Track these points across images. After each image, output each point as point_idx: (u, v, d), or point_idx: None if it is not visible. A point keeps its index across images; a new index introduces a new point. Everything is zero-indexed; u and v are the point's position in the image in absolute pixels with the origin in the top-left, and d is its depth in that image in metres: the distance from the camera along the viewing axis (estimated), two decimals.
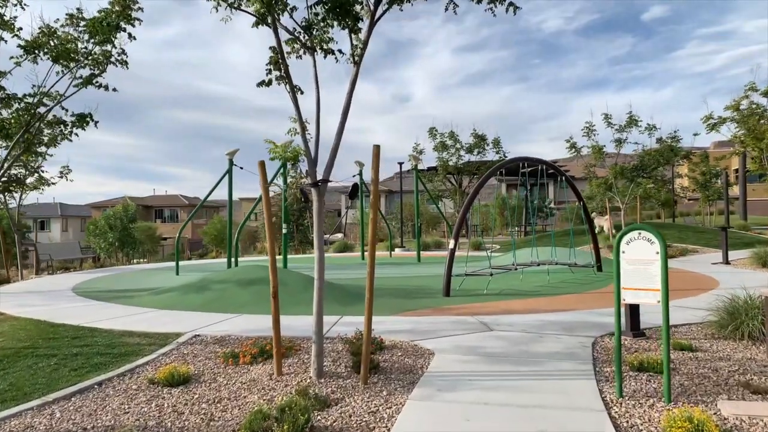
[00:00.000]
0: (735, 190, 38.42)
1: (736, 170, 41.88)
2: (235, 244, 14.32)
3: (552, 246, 12.94)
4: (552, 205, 43.83)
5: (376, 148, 4.64)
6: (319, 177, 4.80)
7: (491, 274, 10.29)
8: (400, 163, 23.73)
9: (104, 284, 12.56)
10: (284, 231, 13.56)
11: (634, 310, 6.29)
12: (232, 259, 14.91)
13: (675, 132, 19.59)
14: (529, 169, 31.18)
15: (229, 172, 14.60)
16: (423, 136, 45.61)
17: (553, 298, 9.51)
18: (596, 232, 22.43)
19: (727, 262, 15.04)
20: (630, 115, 19.77)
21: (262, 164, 4.96)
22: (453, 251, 9.78)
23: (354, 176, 19.10)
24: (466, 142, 24.52)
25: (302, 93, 4.81)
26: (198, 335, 6.67)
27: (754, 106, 16.29)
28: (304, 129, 4.73)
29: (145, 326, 7.21)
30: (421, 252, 19.37)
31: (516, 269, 11.11)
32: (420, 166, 25.17)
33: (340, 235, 22.49)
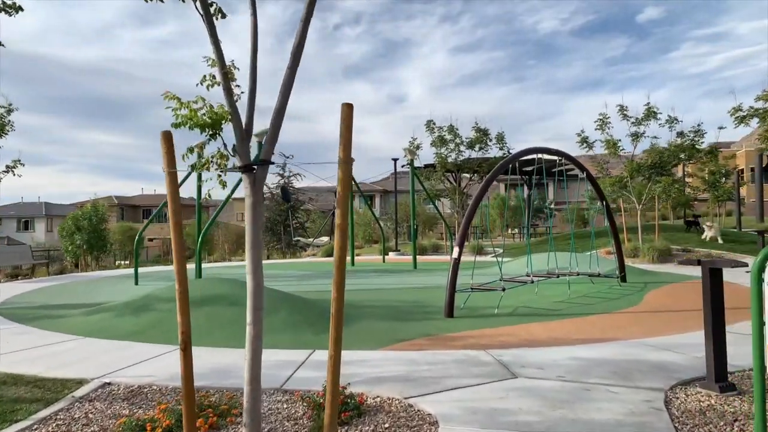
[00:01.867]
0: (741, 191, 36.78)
1: (742, 170, 40.34)
2: (198, 250, 12.43)
3: (572, 252, 11.11)
4: (552, 206, 42.13)
5: (347, 109, 2.80)
6: (255, 157, 2.96)
7: (503, 289, 8.44)
8: (395, 159, 21.93)
9: (43, 297, 10.68)
10: None
11: (719, 346, 4.44)
12: (200, 268, 12.94)
13: (699, 125, 17.77)
14: (531, 168, 29.42)
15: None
16: (420, 133, 43.83)
17: (581, 320, 7.68)
18: (704, 239, 19.22)
19: None
20: (648, 107, 17.98)
21: (167, 137, 3.11)
22: (457, 261, 7.94)
23: None
24: (466, 137, 22.65)
25: (223, 16, 2.95)
26: (109, 383, 4.81)
27: None
28: (228, 78, 2.88)
29: (44, 366, 5.33)
30: (418, 256, 17.53)
31: (532, 282, 9.27)
32: (416, 163, 23.33)
33: (326, 239, 20.66)
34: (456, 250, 8.01)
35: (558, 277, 10.00)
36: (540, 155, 10.47)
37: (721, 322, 4.37)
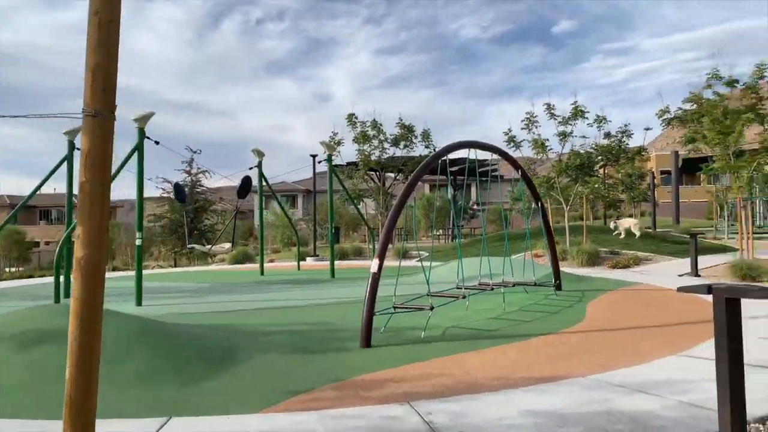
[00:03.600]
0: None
1: (653, 172, 41.88)
2: (57, 262, 10.25)
3: (505, 256, 9.95)
4: (476, 207, 41.90)
5: None
6: None
7: (431, 308, 7.04)
8: (313, 156, 20.19)
9: None
10: (138, 243, 9.66)
11: (739, 414, 3.14)
12: (59, 286, 10.50)
13: (626, 126, 17.38)
14: (457, 167, 28.60)
15: (69, 159, 10.56)
16: (343, 130, 42.23)
17: (523, 344, 6.39)
18: (618, 236, 19.34)
19: (696, 274, 12.76)
20: (575, 106, 17.39)
21: None
22: (377, 277, 6.44)
23: (251, 168, 15.34)
24: (391, 134, 21.34)
25: None
26: None
27: (717, 97, 14.14)
28: None
29: None
30: (339, 261, 15.98)
31: (464, 297, 7.93)
32: (338, 160, 21.75)
33: (227, 245, 18.66)
34: (375, 262, 6.51)
35: (492, 289, 8.75)
36: (470, 150, 9.19)
37: (741, 380, 3.09)
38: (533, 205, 11.57)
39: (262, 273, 15.35)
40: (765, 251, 14.33)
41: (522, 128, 17.97)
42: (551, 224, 11.67)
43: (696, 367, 5.11)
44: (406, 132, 21.20)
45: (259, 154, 15.13)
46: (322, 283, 13.15)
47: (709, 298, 3.23)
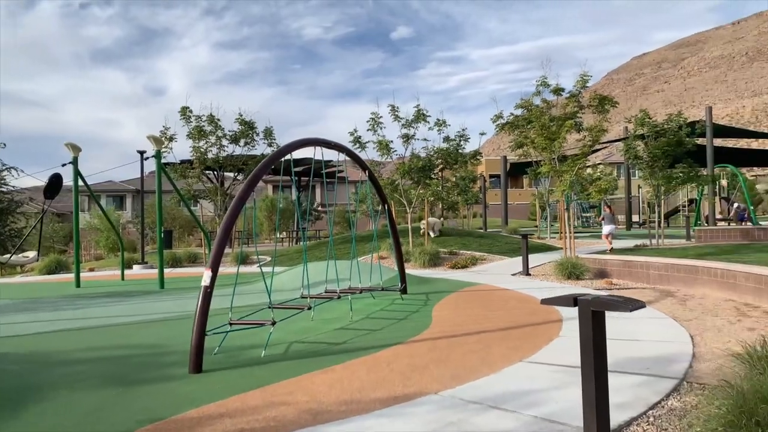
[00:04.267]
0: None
1: (484, 176, 45.29)
2: None
3: (352, 257, 9.58)
4: (320, 208, 41.70)
5: None
6: None
7: (273, 323, 6.37)
8: (141, 152, 18.21)
9: None
10: None
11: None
12: None
13: (464, 130, 18.13)
14: (302, 168, 27.96)
15: None
16: (176, 124, 39.36)
17: (373, 358, 6.00)
18: (423, 234, 20.16)
19: (528, 273, 13.57)
20: (418, 109, 17.74)
21: None
22: (209, 291, 5.62)
23: (64, 165, 13.27)
24: (230, 130, 20.06)
25: None
26: None
27: (545, 103, 15.26)
28: None
29: None
30: (171, 270, 14.47)
31: (310, 308, 7.36)
32: (170, 158, 19.96)
33: (32, 254, 16.16)
34: (207, 274, 5.68)
35: (339, 298, 8.30)
36: (316, 149, 8.67)
37: (606, 394, 2.92)
38: (379, 207, 11.37)
39: (78, 285, 13.33)
40: (583, 249, 15.77)
41: (368, 129, 17.90)
42: (396, 226, 11.57)
43: (543, 375, 5.09)
44: (247, 129, 20.05)
45: (74, 149, 13.14)
46: (150, 296, 11.70)
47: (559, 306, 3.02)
